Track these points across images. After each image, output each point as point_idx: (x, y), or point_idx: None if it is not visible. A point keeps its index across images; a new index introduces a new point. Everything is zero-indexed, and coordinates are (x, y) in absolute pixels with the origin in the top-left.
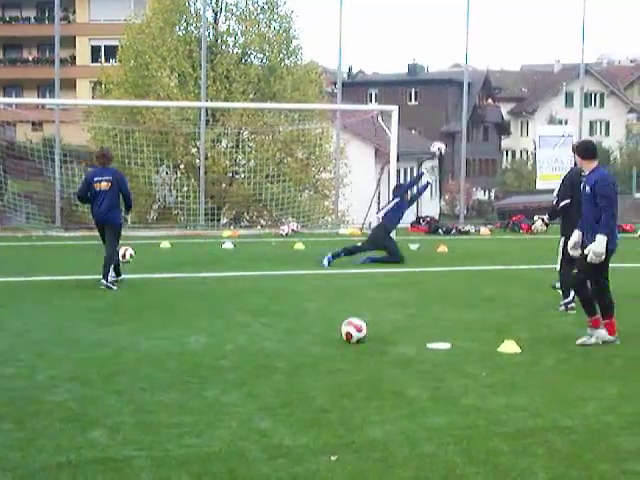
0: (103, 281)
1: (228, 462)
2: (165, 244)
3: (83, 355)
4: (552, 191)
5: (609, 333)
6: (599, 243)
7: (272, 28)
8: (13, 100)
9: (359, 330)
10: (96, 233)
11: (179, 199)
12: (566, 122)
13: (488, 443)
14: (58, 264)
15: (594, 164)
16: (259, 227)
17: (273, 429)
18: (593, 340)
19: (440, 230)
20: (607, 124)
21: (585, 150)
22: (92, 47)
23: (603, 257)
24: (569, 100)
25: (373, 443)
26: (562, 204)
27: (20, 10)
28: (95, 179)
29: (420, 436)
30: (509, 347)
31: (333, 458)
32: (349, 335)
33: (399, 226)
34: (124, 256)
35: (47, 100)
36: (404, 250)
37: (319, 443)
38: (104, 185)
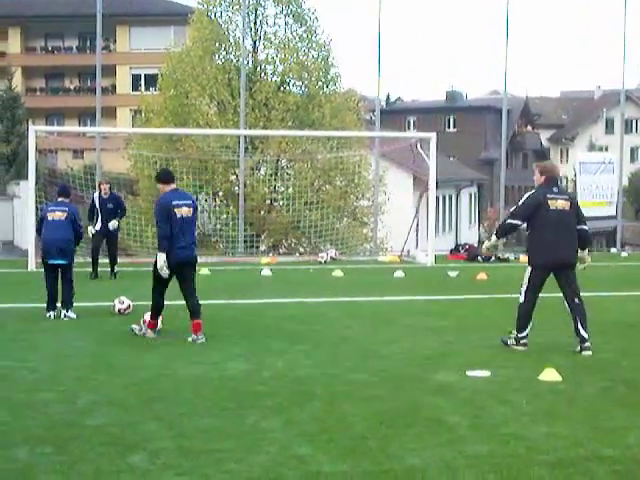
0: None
1: None
2: (204, 271)
3: (122, 380)
4: (592, 219)
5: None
6: None
7: (311, 56)
8: (55, 128)
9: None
10: (134, 260)
11: (218, 226)
12: (606, 149)
13: (529, 472)
14: (97, 290)
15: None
16: (297, 254)
17: (312, 456)
18: None
19: (479, 257)
20: None
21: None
22: (132, 76)
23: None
24: (609, 126)
25: (412, 471)
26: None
27: (62, 40)
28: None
29: (460, 464)
30: (550, 375)
31: None
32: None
33: (438, 253)
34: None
35: (88, 128)
36: (443, 277)
37: (358, 470)
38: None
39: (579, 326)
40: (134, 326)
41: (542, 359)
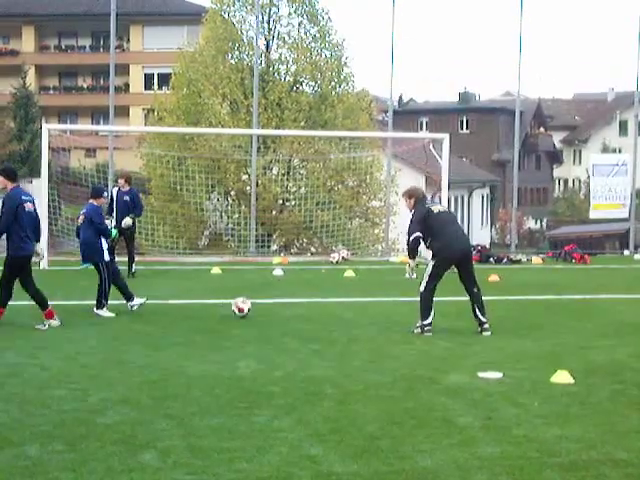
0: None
1: None
2: (216, 270)
3: (133, 379)
4: (605, 221)
5: None
6: None
7: (324, 56)
8: (68, 127)
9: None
10: (146, 259)
11: (230, 225)
12: (620, 151)
13: (541, 474)
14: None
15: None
16: (309, 254)
17: (323, 456)
18: None
19: (491, 259)
20: None
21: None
22: (145, 75)
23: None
24: (623, 128)
25: (424, 472)
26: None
27: (76, 39)
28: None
29: (471, 465)
30: (562, 377)
31: None
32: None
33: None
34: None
35: (101, 127)
36: (454, 278)
37: (369, 471)
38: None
39: (477, 313)
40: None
41: (554, 361)
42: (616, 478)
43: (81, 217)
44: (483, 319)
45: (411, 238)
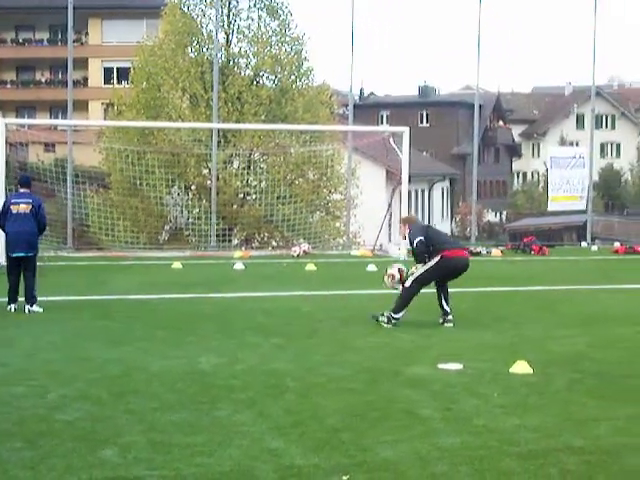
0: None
1: None
2: (177, 265)
3: (94, 375)
4: (563, 213)
5: None
6: None
7: (284, 50)
8: (26, 121)
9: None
10: (106, 254)
11: (190, 220)
12: (577, 144)
13: (500, 463)
14: (69, 284)
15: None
16: (270, 248)
17: (284, 449)
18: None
19: None
20: (618, 146)
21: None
22: (104, 69)
23: None
24: (580, 122)
25: (385, 463)
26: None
27: (33, 32)
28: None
29: (432, 456)
30: (521, 368)
31: (345, 478)
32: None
33: (410, 248)
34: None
35: (60, 121)
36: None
37: (331, 463)
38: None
39: (443, 302)
40: None
41: (514, 352)
42: (573, 465)
43: (26, 206)
44: (447, 309)
45: (415, 241)
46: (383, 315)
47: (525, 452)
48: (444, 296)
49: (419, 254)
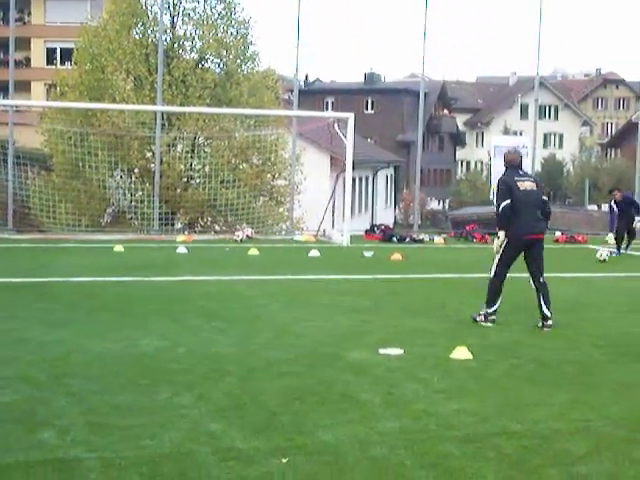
0: None
1: (179, 464)
2: (119, 248)
3: (33, 357)
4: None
5: None
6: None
7: (229, 34)
8: None
9: None
10: (47, 236)
11: (133, 203)
12: (521, 134)
13: (439, 447)
14: (10, 266)
15: None
16: (213, 232)
17: (224, 431)
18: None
19: (394, 238)
20: (561, 137)
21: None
22: (47, 49)
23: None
24: (524, 112)
25: (324, 446)
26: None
27: None
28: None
29: (371, 440)
30: (461, 353)
31: (284, 461)
32: None
33: (353, 234)
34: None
35: (0, 101)
36: (358, 257)
37: (270, 446)
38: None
39: (542, 302)
40: None
41: (454, 338)
42: (510, 449)
43: None
44: (547, 313)
45: (501, 208)
46: (479, 314)
47: (463, 436)
48: (545, 297)
49: (500, 219)
